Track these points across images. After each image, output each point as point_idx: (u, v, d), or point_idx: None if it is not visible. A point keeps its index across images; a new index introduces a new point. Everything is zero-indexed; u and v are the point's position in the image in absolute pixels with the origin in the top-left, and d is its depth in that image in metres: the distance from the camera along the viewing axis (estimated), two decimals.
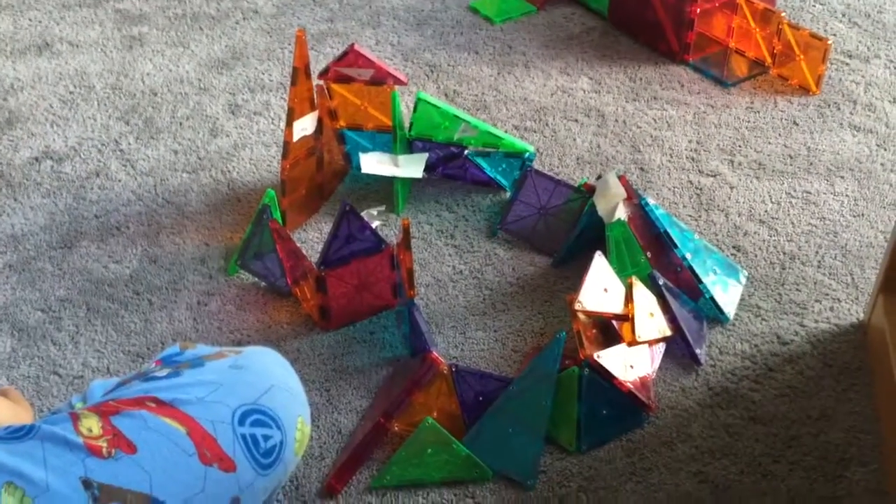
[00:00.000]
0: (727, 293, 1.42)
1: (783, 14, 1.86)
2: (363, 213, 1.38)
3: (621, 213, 1.41)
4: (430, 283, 1.47)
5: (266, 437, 0.97)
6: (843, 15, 2.10)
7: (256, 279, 1.47)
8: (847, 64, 1.95)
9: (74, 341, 1.38)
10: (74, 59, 1.98)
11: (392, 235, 1.54)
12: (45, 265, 1.51)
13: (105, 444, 0.87)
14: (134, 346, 1.37)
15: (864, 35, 2.04)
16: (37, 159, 1.72)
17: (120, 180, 1.68)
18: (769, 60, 1.91)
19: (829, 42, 1.82)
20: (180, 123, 1.81)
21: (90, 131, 1.79)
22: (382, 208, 1.58)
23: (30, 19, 2.10)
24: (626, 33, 2.04)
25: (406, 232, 1.26)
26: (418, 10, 2.13)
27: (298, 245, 1.44)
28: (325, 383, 1.32)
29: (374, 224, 1.41)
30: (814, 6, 2.13)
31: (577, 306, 1.24)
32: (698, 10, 1.89)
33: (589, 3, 2.13)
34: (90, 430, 0.88)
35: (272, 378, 1.04)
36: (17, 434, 0.86)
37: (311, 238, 1.56)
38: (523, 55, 1.99)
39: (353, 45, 1.54)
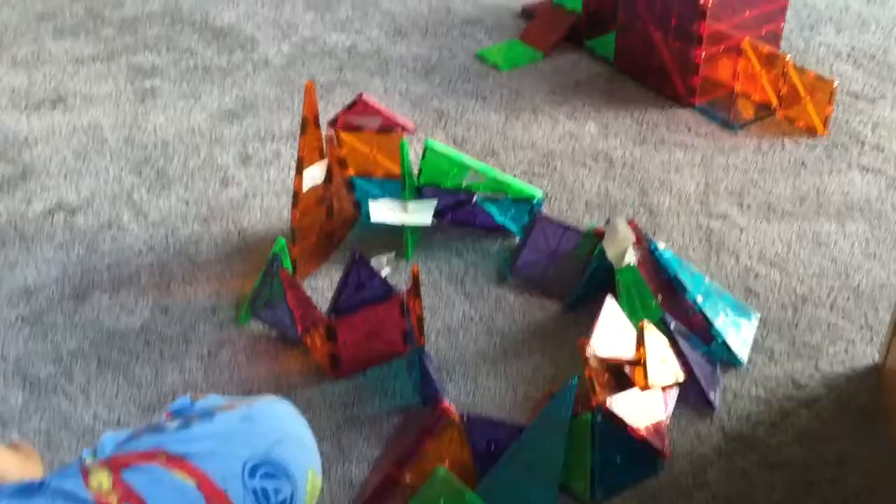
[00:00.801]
0: (740, 336, 1.41)
1: (788, 57, 1.87)
2: (373, 260, 1.39)
3: (631, 257, 1.41)
4: (440, 329, 1.47)
5: (276, 491, 0.96)
6: (849, 56, 2.12)
7: (267, 328, 1.47)
8: (853, 105, 1.96)
9: (86, 394, 1.38)
10: (88, 113, 2.01)
11: (402, 282, 1.54)
12: (58, 317, 1.51)
13: (115, 500, 0.86)
14: (145, 397, 1.37)
15: (870, 76, 2.05)
16: (50, 212, 1.74)
17: (132, 231, 1.69)
18: (775, 103, 1.92)
19: (835, 83, 1.83)
20: (192, 174, 1.83)
21: (103, 183, 1.81)
22: (392, 255, 1.58)
23: (44, 74, 2.14)
24: (632, 78, 2.06)
25: (415, 279, 1.26)
26: (426, 59, 2.16)
27: (309, 293, 1.45)
28: (336, 433, 1.31)
29: (384, 271, 1.41)
30: (819, 48, 2.15)
31: (588, 352, 1.24)
32: (703, 55, 1.91)
33: (595, 49, 2.15)
34: (100, 485, 0.87)
35: (283, 429, 1.03)
36: (28, 490, 0.85)
37: (322, 286, 1.56)
38: (530, 101, 2.01)
39: (361, 94, 1.56)
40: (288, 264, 1.46)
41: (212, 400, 1.10)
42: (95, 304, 1.54)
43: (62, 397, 1.38)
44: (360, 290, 1.33)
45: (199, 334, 1.47)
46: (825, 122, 1.87)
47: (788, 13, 2.03)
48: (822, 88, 1.84)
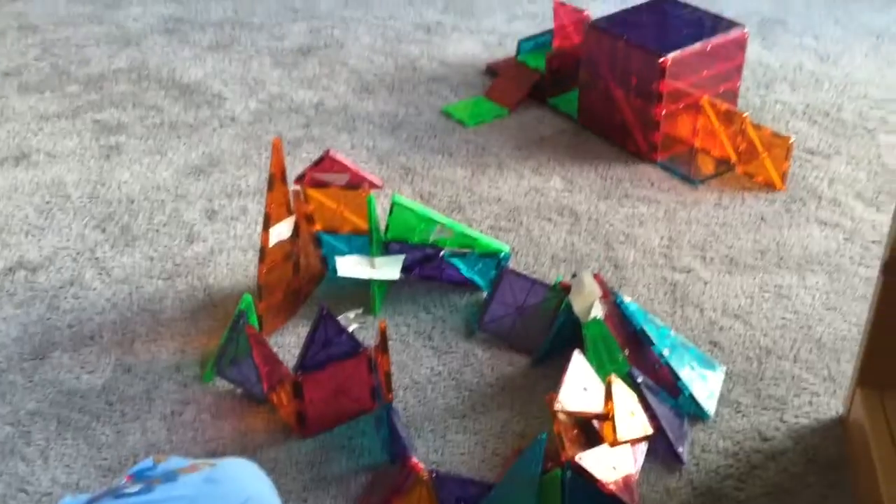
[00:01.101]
0: (706, 389, 1.41)
1: (745, 114, 1.92)
2: (340, 317, 1.38)
3: (597, 311, 1.41)
4: (408, 385, 1.46)
5: None
6: (804, 114, 2.18)
7: (232, 386, 1.45)
8: (810, 161, 2.01)
9: (44, 456, 1.34)
10: (52, 169, 1.99)
11: (370, 338, 1.53)
12: (17, 377, 1.48)
13: None
14: (105, 459, 1.34)
15: (825, 132, 2.11)
16: (11, 270, 1.71)
17: (94, 289, 1.67)
18: (734, 158, 1.96)
19: (792, 140, 1.88)
20: (157, 230, 1.81)
21: (66, 240, 1.79)
22: (360, 311, 1.58)
23: (8, 130, 2.13)
24: (595, 134, 2.10)
25: (383, 335, 1.26)
26: (392, 116, 2.18)
27: (276, 350, 1.43)
28: (302, 493, 1.29)
29: (352, 327, 1.40)
30: (774, 106, 2.21)
31: (556, 406, 1.23)
32: (663, 112, 1.95)
33: (558, 106, 2.19)
34: None
35: (247, 491, 1.01)
36: None
37: (289, 342, 1.54)
38: (496, 156, 2.04)
39: (328, 150, 1.57)
40: (254, 321, 1.44)
41: (174, 462, 1.07)
42: (56, 363, 1.50)
43: (19, 460, 1.34)
44: (327, 346, 1.32)
45: (162, 393, 1.44)
46: (783, 177, 1.91)
47: (745, 72, 2.09)
48: (779, 145, 1.89)
